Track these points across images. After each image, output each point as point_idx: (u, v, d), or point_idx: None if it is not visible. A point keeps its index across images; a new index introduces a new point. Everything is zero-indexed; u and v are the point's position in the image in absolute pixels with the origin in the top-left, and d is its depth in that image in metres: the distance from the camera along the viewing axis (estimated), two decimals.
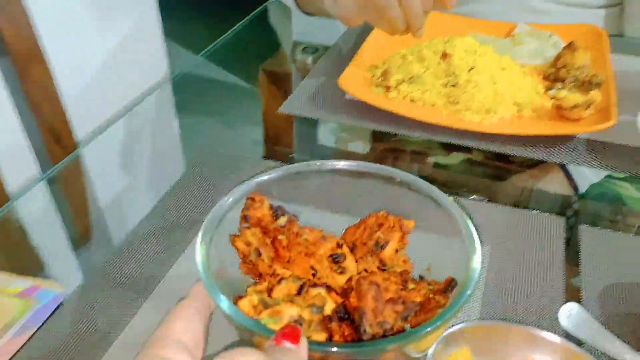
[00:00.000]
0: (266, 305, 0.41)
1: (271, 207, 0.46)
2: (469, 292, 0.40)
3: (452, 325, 0.45)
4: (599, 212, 0.66)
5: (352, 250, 0.50)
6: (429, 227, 0.50)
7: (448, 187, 0.68)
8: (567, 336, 0.49)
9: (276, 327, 0.39)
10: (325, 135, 0.83)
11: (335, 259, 0.46)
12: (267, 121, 0.87)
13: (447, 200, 0.48)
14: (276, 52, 1.09)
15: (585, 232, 0.61)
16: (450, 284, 0.43)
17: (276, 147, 0.80)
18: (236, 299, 0.43)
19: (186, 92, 0.92)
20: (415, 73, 0.80)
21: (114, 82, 1.46)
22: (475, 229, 0.45)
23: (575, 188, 0.69)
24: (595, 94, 0.74)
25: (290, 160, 0.75)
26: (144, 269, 0.56)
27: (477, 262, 0.43)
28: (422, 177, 0.50)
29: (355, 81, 0.82)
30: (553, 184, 0.70)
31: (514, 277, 0.56)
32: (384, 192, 0.51)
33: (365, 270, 0.46)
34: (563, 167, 0.71)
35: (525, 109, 0.77)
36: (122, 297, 0.53)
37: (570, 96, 0.75)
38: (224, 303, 0.39)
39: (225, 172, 0.69)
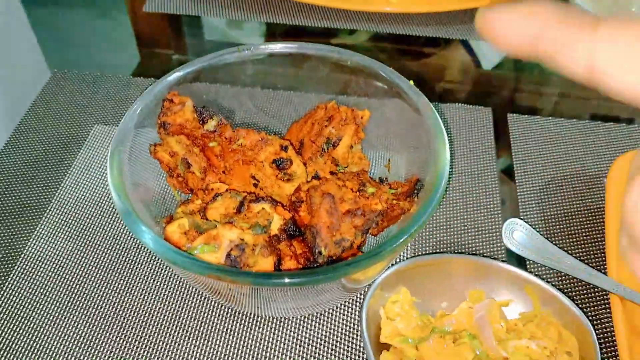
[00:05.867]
0: (200, 230, 0.34)
1: (195, 109, 0.37)
2: (439, 192, 0.35)
3: (386, 269, 0.39)
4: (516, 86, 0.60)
5: (299, 151, 0.42)
6: (386, 118, 0.43)
7: None
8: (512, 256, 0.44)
9: (213, 257, 0.32)
10: (212, 29, 0.67)
11: (280, 165, 0.38)
12: (135, 19, 0.68)
13: (408, 84, 0.41)
14: None
15: (514, 120, 0.54)
16: (416, 186, 0.37)
17: (154, 49, 0.65)
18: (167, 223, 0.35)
19: None
20: None
21: None
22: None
23: (478, 64, 0.63)
24: None
25: (172, 64, 0.60)
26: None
27: (445, 156, 0.36)
28: None
29: None
30: (456, 61, 0.63)
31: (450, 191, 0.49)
32: (333, 79, 0.43)
33: (316, 176, 0.39)
34: (465, 43, 0.64)
35: None
36: None
37: None
38: (147, 235, 0.31)
39: (92, 89, 0.55)
